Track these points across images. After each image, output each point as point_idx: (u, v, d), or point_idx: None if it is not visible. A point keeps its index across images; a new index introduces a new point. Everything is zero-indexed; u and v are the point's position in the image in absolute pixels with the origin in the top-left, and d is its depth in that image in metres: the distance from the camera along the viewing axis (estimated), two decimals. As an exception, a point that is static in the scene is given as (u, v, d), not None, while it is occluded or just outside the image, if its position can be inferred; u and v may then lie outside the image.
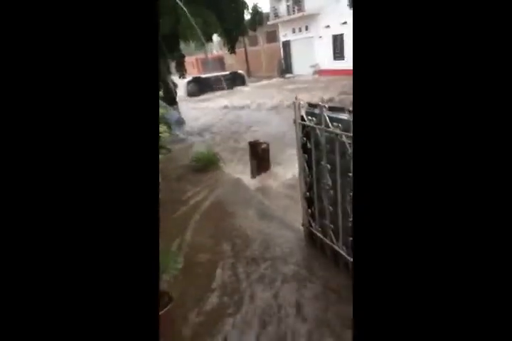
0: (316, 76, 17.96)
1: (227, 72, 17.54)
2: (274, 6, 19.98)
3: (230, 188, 4.11)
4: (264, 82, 18.63)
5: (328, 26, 16.82)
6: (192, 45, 9.54)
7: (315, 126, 2.16)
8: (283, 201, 3.57)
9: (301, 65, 19.82)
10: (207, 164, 4.79)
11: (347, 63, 16.28)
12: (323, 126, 2.07)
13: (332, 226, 2.30)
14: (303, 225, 2.68)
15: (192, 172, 4.74)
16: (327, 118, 2.03)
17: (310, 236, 2.64)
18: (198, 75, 17.07)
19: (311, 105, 2.25)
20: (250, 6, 9.52)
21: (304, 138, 2.37)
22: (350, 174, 1.89)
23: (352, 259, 2.12)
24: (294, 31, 19.89)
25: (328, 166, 2.16)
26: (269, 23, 20.31)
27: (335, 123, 1.93)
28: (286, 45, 20.78)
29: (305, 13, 17.68)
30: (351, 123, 1.73)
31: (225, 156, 5.53)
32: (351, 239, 2.06)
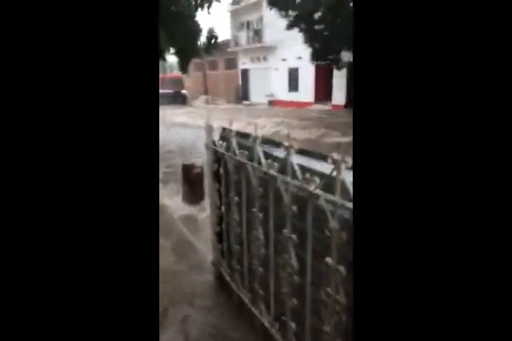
0: (271, 106, 18.33)
1: (171, 91, 20.15)
2: (235, 34, 20.45)
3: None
4: (220, 106, 18.71)
5: (284, 59, 17.41)
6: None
7: (225, 152, 1.90)
8: (206, 233, 3.22)
9: (257, 93, 20.20)
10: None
11: (300, 95, 16.80)
12: (230, 152, 1.81)
13: (239, 267, 1.99)
14: (212, 263, 2.35)
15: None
16: (234, 144, 1.78)
17: (220, 278, 2.31)
18: None
19: (224, 129, 2.00)
20: (206, 29, 9.52)
21: (216, 165, 2.10)
22: (259, 210, 1.62)
23: (258, 315, 1.81)
24: (252, 60, 20.37)
25: (236, 199, 1.88)
26: (229, 49, 20.70)
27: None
28: (245, 72, 21.17)
29: (264, 45, 18.23)
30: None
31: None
32: (256, 285, 1.76)
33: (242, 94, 21.26)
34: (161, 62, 17.08)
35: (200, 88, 23.88)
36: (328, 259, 1.21)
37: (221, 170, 2.05)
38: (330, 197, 1.14)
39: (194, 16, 8.63)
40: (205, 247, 2.83)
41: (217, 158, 2.06)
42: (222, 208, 2.14)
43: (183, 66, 9.31)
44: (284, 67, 17.74)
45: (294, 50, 15.75)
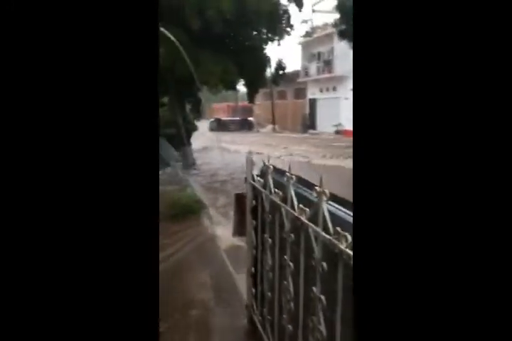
0: (339, 135, 17.97)
1: (239, 118, 23.67)
2: (305, 65, 20.81)
3: (197, 247, 3.62)
4: (285, 134, 18.90)
5: (354, 89, 17.12)
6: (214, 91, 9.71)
7: (261, 189, 1.77)
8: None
9: (324, 123, 20.03)
10: (184, 212, 4.36)
11: (369, 125, 16.21)
12: (267, 190, 1.68)
13: (270, 317, 1.79)
14: (246, 307, 2.17)
15: (164, 220, 4.31)
16: (271, 182, 1.64)
17: (252, 322, 2.11)
18: (218, 117, 24.18)
19: (264, 164, 1.88)
20: (276, 60, 9.77)
21: (254, 201, 1.97)
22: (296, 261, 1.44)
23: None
24: (321, 90, 20.43)
25: (270, 241, 1.72)
26: (298, 80, 21.07)
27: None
28: (313, 102, 21.26)
29: (334, 75, 18.22)
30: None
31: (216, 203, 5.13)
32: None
33: (310, 124, 21.25)
34: (233, 92, 18.19)
35: (268, 116, 24.47)
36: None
37: (259, 208, 1.92)
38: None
39: (263, 49, 8.94)
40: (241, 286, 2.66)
41: (255, 195, 1.94)
42: (257, 248, 1.98)
43: (251, 96, 9.59)
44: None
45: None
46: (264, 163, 1.84)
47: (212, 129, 19.02)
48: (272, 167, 1.67)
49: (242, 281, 2.74)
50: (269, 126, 22.87)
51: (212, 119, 21.90)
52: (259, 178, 1.85)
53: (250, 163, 1.93)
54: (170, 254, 3.31)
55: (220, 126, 21.23)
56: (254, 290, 2.07)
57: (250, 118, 23.67)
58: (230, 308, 2.40)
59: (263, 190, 1.74)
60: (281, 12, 8.69)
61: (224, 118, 24.29)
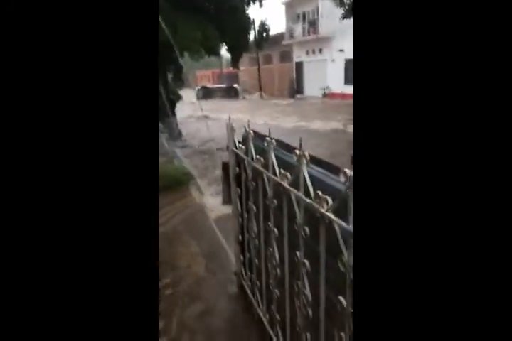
0: (326, 99, 17.72)
1: (225, 85, 23.77)
2: (289, 27, 19.99)
3: (186, 217, 3.62)
4: (273, 101, 18.60)
5: (341, 50, 16.63)
6: (194, 57, 9.30)
7: (243, 156, 1.71)
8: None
9: (312, 87, 19.63)
10: (172, 184, 4.32)
11: (357, 88, 15.98)
12: (249, 157, 1.62)
13: (258, 283, 1.80)
14: (235, 274, 2.19)
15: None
16: (252, 147, 1.58)
17: (242, 288, 2.14)
18: (205, 85, 24.48)
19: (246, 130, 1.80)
20: (258, 23, 9.30)
21: (237, 169, 1.92)
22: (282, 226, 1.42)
23: (274, 334, 1.62)
24: (307, 53, 19.80)
25: (254, 208, 1.69)
26: (283, 43, 20.33)
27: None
28: (299, 66, 20.67)
29: (319, 36, 17.59)
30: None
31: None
32: (273, 306, 1.56)
33: (297, 88, 20.81)
34: (216, 58, 17.58)
35: (255, 82, 23.85)
36: (342, 299, 0.97)
37: (242, 175, 1.87)
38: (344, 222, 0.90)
39: (245, 10, 8.48)
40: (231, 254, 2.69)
41: (238, 162, 1.88)
42: (243, 215, 1.96)
43: (235, 61, 9.22)
44: (340, 58, 16.98)
45: (351, 39, 15.01)
46: (245, 129, 1.77)
47: (198, 97, 18.79)
48: (252, 132, 1.60)
49: (231, 249, 2.78)
50: (257, 93, 22.39)
51: (199, 87, 22.17)
52: (241, 145, 1.78)
53: (231, 130, 1.85)
54: (160, 224, 3.31)
55: (206, 94, 21.10)
56: (242, 258, 2.08)
57: (235, 86, 23.43)
58: (221, 275, 2.43)
59: (245, 157, 1.68)
60: (262, -32, 8.16)
61: (210, 85, 24.68)
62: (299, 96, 20.06)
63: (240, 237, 2.05)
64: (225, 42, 8.60)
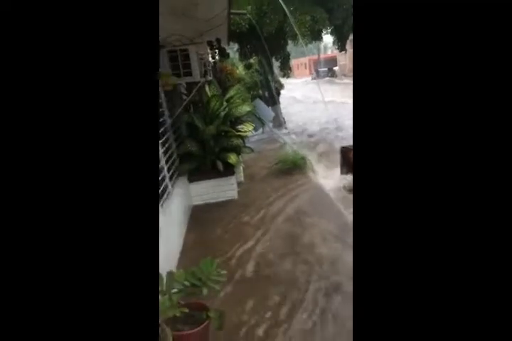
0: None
1: (326, 69, 27.89)
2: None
3: (310, 196, 3.77)
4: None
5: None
6: (303, 44, 9.32)
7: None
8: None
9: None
10: (292, 167, 4.53)
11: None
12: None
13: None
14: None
15: (276, 175, 4.52)
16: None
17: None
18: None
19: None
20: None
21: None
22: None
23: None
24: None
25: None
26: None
27: None
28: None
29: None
30: None
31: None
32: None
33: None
34: (316, 43, 17.18)
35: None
36: None
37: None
38: None
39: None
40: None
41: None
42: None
43: (341, 43, 8.96)
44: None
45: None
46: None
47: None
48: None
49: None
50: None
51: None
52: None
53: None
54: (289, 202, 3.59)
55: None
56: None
57: (335, 68, 27.07)
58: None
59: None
60: None
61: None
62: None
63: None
64: (333, 25, 8.39)
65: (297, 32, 6.34)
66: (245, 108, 3.84)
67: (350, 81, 21.40)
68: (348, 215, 3.14)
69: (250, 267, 2.50)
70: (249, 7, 6.73)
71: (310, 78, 27.00)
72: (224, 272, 2.06)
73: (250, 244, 2.84)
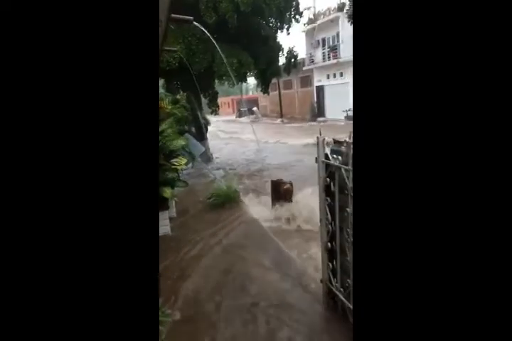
0: (349, 121, 17.92)
1: (246, 108, 28.91)
2: (310, 52, 20.68)
3: (245, 230, 3.78)
4: (295, 124, 18.95)
5: (362, 73, 16.95)
6: (226, 84, 9.76)
7: (340, 166, 1.86)
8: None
9: (334, 110, 19.93)
10: (224, 201, 4.54)
11: (380, 109, 16.08)
12: (350, 166, 1.76)
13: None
14: (322, 281, 2.28)
15: (209, 210, 4.48)
16: (350, 154, 1.73)
17: (330, 295, 2.22)
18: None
19: (336, 142, 1.96)
20: (286, 49, 9.75)
21: (328, 179, 2.06)
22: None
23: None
24: (328, 77, 20.29)
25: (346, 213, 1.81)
26: (304, 68, 20.94)
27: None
28: (320, 89, 21.14)
29: (340, 60, 18.10)
30: None
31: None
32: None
33: (318, 111, 21.19)
34: (240, 84, 18.21)
35: (274, 107, 24.42)
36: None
37: (332, 185, 2.01)
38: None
39: (276, 38, 8.93)
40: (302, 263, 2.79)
41: (330, 172, 2.03)
42: (333, 224, 2.08)
43: (265, 86, 9.60)
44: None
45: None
46: (345, 141, 1.93)
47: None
48: (351, 142, 1.76)
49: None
50: (278, 120, 22.93)
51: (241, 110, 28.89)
52: (334, 155, 1.94)
53: (322, 142, 2.01)
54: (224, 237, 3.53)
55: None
56: (331, 265, 2.18)
57: (254, 109, 28.16)
58: (298, 287, 2.52)
59: (344, 167, 1.83)
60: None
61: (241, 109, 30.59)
62: (320, 119, 20.35)
63: (329, 245, 2.16)
64: (257, 69, 8.99)
65: (230, 72, 6.66)
66: (180, 142, 3.83)
67: (271, 121, 22.77)
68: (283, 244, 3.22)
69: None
70: (178, 46, 6.93)
71: (234, 116, 28.69)
72: (169, 311, 1.92)
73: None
